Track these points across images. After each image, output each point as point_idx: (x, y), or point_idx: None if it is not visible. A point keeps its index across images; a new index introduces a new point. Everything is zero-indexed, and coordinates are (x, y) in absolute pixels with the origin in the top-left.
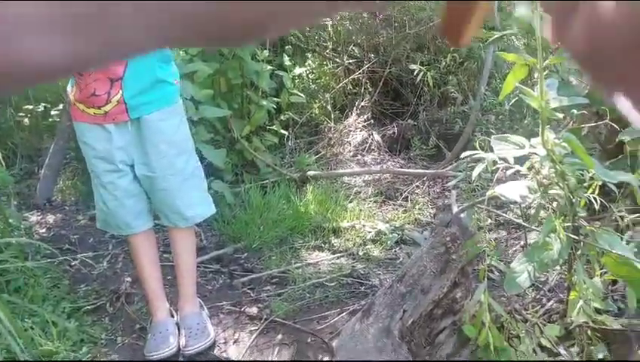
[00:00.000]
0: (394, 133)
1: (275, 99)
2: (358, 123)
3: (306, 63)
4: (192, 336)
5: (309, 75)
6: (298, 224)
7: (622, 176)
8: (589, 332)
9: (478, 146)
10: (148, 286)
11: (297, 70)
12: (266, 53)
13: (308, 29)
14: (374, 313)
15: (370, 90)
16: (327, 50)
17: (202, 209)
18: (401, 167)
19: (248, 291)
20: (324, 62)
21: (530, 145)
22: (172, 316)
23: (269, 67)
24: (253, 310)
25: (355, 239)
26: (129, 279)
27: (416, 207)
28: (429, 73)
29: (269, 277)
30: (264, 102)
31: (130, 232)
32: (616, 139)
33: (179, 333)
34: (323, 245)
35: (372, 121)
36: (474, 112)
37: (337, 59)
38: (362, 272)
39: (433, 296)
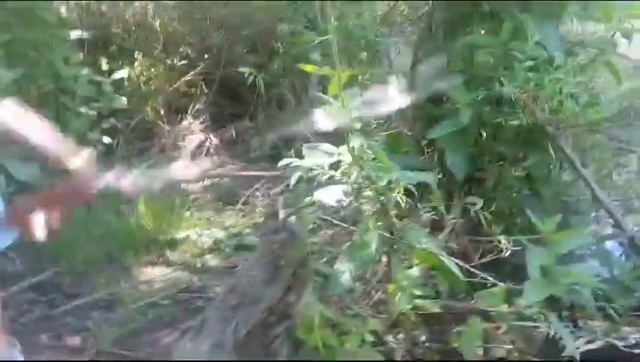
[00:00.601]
0: (232, 135)
1: (97, 104)
2: (195, 126)
3: (134, 65)
4: None
5: (139, 77)
6: (129, 239)
7: (420, 176)
8: (412, 318)
9: (294, 153)
10: None
11: (121, 73)
12: (80, 55)
13: (133, 27)
14: (206, 329)
15: (207, 91)
16: (157, 51)
17: None
18: (241, 170)
19: (70, 320)
20: (155, 64)
21: (339, 152)
22: None
23: (85, 71)
24: (76, 341)
25: (192, 250)
26: None
27: (256, 210)
28: (260, 75)
29: (96, 301)
30: (82, 109)
31: None
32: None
33: None
34: (157, 259)
35: (209, 123)
36: (307, 115)
37: (168, 60)
38: (200, 285)
39: (265, 304)
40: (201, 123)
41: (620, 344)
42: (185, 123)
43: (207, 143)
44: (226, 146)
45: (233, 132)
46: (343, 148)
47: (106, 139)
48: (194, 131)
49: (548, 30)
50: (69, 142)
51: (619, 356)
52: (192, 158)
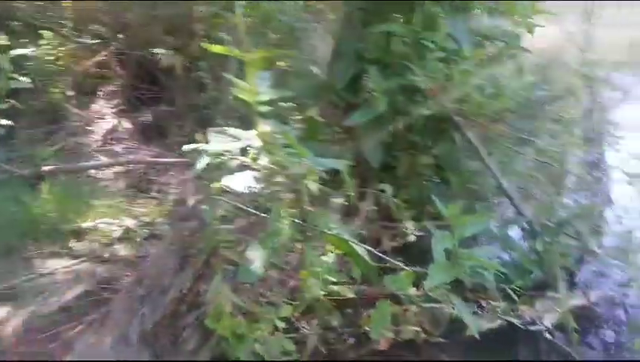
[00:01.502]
0: (148, 119)
1: None
2: (107, 109)
3: (40, 42)
4: None
5: (46, 56)
6: (31, 228)
7: (331, 163)
8: (325, 304)
9: (199, 138)
10: None
11: (22, 50)
12: None
13: (40, 2)
14: (111, 321)
15: (121, 73)
16: (66, 29)
17: None
18: (156, 157)
19: None
20: (65, 42)
21: (246, 137)
22: None
23: None
24: None
25: (100, 240)
26: None
27: (170, 198)
28: (176, 58)
29: None
30: None
31: None
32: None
33: None
34: (61, 250)
35: (123, 107)
36: (225, 99)
37: (78, 39)
38: (106, 276)
39: (174, 294)
40: (114, 106)
41: (517, 322)
42: (96, 106)
43: (120, 128)
44: (140, 131)
45: (148, 116)
46: (252, 132)
47: (5, 122)
48: (105, 115)
49: (458, 22)
50: None
51: (517, 333)
52: (103, 143)
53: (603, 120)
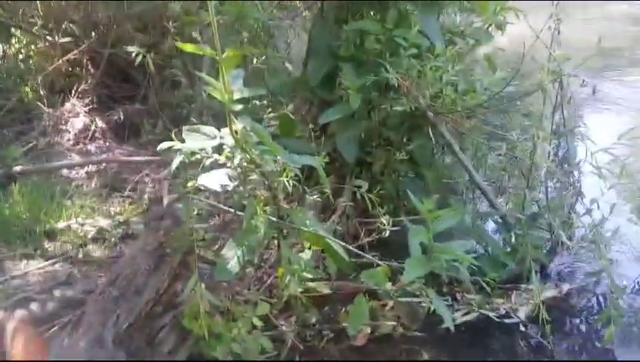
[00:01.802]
0: (120, 117)
1: None
2: (79, 108)
3: (12, 41)
4: None
5: (17, 55)
6: (2, 230)
7: (305, 159)
8: (303, 300)
9: (173, 137)
10: None
11: None
12: None
13: (9, 2)
14: (85, 323)
15: (93, 71)
16: (37, 27)
17: None
18: (130, 155)
19: None
20: (36, 41)
21: (220, 135)
22: None
23: None
24: None
25: (73, 240)
26: None
27: (145, 197)
28: (148, 56)
29: None
30: None
31: None
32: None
33: None
34: (34, 252)
35: (96, 105)
36: (199, 97)
37: (49, 37)
38: (80, 277)
39: (149, 294)
40: (87, 105)
41: (492, 314)
42: (68, 105)
43: (93, 127)
44: (113, 130)
45: (121, 115)
46: (226, 130)
47: None
48: (78, 114)
49: (429, 20)
50: None
51: (491, 325)
52: (75, 142)
53: (573, 115)
